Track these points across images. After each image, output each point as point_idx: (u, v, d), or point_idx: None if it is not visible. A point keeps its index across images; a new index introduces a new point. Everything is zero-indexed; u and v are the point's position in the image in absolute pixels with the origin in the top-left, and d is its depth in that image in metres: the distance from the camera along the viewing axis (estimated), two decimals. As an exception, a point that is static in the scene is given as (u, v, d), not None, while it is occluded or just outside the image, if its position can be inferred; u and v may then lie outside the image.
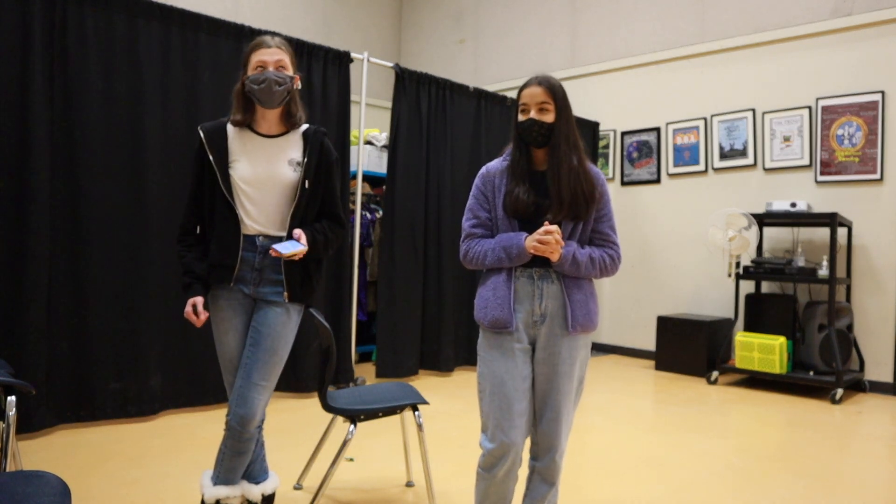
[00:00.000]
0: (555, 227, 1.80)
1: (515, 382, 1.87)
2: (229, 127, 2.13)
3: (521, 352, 1.89)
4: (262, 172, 2.08)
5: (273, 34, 2.31)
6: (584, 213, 1.89)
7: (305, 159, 2.11)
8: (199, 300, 2.07)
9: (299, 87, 2.15)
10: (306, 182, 2.10)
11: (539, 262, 1.89)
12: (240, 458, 2.10)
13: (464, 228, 1.99)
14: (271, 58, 2.04)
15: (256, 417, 2.05)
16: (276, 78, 2.02)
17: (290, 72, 2.08)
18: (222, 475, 2.11)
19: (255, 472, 2.21)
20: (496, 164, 1.99)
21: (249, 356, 2.06)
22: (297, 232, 2.03)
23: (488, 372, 1.90)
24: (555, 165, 1.88)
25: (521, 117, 1.92)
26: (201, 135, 2.11)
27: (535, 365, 1.91)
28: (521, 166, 1.93)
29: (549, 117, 1.89)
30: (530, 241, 1.83)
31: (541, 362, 1.90)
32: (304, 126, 2.18)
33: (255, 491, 2.17)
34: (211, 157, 2.08)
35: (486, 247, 1.92)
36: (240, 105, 2.09)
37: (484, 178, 1.98)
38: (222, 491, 2.09)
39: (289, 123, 2.14)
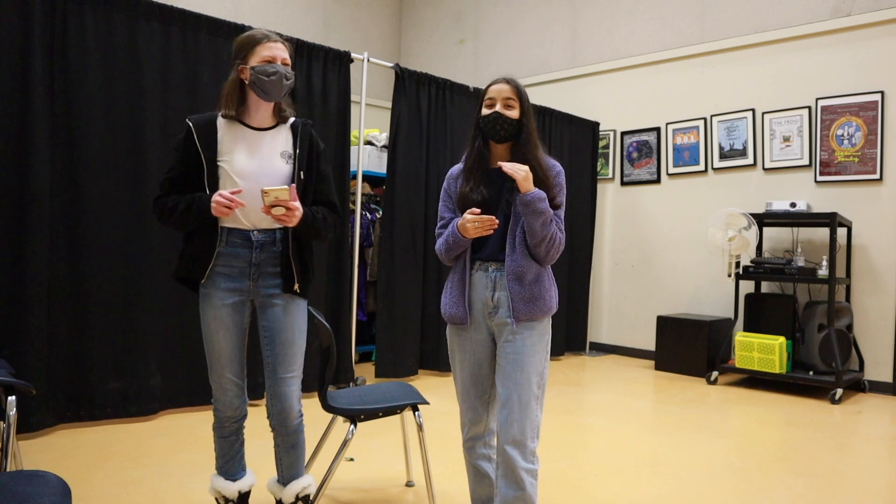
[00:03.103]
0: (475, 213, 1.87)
1: (473, 368, 2.01)
2: (220, 120, 2.11)
3: (478, 341, 1.99)
4: (257, 165, 2.06)
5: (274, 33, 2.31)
6: None
7: (297, 151, 2.12)
8: (222, 192, 1.93)
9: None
10: (301, 173, 2.11)
11: (495, 257, 1.95)
12: (296, 451, 2.19)
13: (435, 232, 2.07)
14: (280, 53, 2.06)
15: (294, 408, 2.13)
16: (286, 73, 2.05)
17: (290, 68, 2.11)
18: (287, 473, 2.19)
19: (290, 475, 2.23)
20: (459, 166, 2.07)
21: (269, 354, 2.11)
22: (292, 186, 1.98)
23: (453, 358, 2.06)
24: (522, 161, 1.94)
25: (485, 111, 1.97)
26: (191, 126, 2.07)
27: (497, 355, 1.98)
28: (475, 163, 1.98)
29: (514, 113, 1.95)
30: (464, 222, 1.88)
31: (497, 351, 1.97)
32: (291, 119, 2.19)
33: (289, 491, 2.20)
34: (200, 150, 2.04)
35: (443, 238, 2.00)
36: (234, 97, 2.07)
37: (448, 180, 2.07)
38: (296, 485, 2.18)
39: (279, 117, 2.15)
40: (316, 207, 2.14)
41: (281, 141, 2.13)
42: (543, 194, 1.89)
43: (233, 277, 2.07)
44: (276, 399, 2.12)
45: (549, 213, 1.89)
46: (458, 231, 1.91)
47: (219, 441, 2.19)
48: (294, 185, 2.01)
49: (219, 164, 2.05)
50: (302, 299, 2.16)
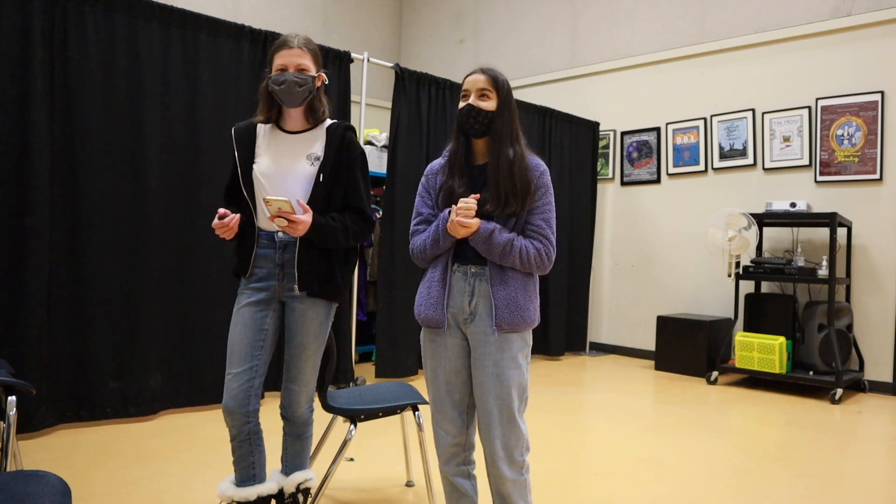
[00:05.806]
0: (472, 201, 1.75)
1: (448, 376, 1.87)
2: (260, 125, 2.19)
3: (454, 346, 1.86)
4: (281, 167, 2.11)
5: (275, 34, 2.31)
6: (518, 207, 1.81)
7: (324, 154, 2.14)
8: (224, 211, 2.04)
9: (326, 82, 2.18)
10: (321, 176, 2.11)
11: (476, 259, 1.83)
12: (301, 442, 2.25)
13: (410, 229, 1.96)
14: (291, 60, 2.06)
15: (301, 405, 2.21)
16: (296, 79, 2.05)
17: (311, 72, 2.10)
18: (291, 463, 2.25)
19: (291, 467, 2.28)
20: (439, 161, 1.96)
21: (286, 353, 2.20)
22: (304, 206, 2.03)
23: (426, 365, 1.93)
24: (495, 157, 1.82)
25: (461, 104, 1.85)
26: (232, 133, 2.21)
27: (471, 365, 1.86)
28: (457, 159, 1.88)
29: (490, 105, 1.83)
30: (449, 223, 1.77)
31: (473, 363, 1.84)
32: (330, 121, 2.20)
33: (291, 481, 2.23)
34: (236, 154, 2.16)
35: (423, 236, 1.89)
36: (265, 104, 2.15)
37: (427, 175, 1.96)
38: (299, 476, 2.22)
39: (313, 119, 2.17)
40: (336, 214, 2.13)
41: (312, 143, 2.15)
42: (492, 227, 1.77)
43: (262, 278, 2.14)
44: (286, 394, 2.21)
45: (503, 243, 1.77)
46: (446, 229, 1.80)
47: (230, 442, 2.15)
48: (289, 199, 1.97)
49: (254, 166, 2.14)
50: (326, 304, 2.19)
